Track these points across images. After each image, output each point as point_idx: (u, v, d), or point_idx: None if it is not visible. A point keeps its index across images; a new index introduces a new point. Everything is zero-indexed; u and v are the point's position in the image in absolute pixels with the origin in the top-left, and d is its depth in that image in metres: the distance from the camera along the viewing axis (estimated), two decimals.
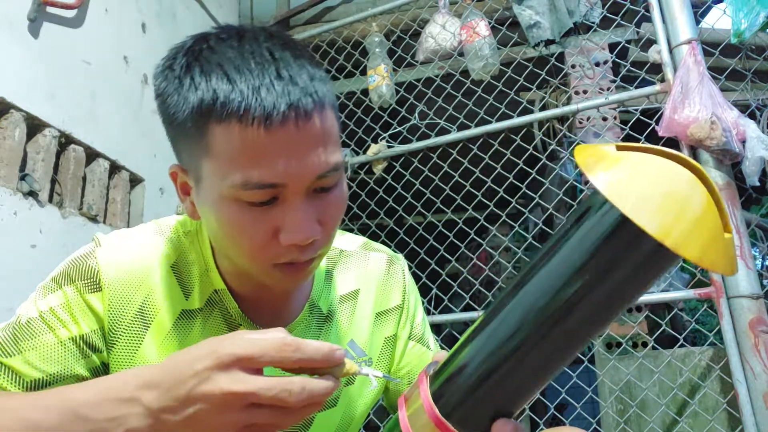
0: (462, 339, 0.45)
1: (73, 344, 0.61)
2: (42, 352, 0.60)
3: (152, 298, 0.64)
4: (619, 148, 0.36)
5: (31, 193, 1.35)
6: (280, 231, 0.55)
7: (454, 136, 1.95)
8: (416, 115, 2.13)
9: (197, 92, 0.52)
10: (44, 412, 0.48)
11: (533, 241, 2.24)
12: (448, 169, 1.99)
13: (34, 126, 1.41)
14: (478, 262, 2.52)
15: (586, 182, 1.97)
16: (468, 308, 1.91)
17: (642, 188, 0.33)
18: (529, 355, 0.40)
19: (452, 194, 2.01)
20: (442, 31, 2.11)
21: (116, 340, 0.63)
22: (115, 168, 1.68)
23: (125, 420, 0.46)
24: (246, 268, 0.60)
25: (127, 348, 0.63)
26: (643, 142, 1.68)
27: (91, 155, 1.59)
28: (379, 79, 2.14)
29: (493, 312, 0.43)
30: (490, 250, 2.73)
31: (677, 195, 0.33)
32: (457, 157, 1.96)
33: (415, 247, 2.02)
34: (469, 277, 2.44)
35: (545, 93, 2.20)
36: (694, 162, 0.35)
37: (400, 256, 0.85)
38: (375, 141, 2.15)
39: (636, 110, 1.79)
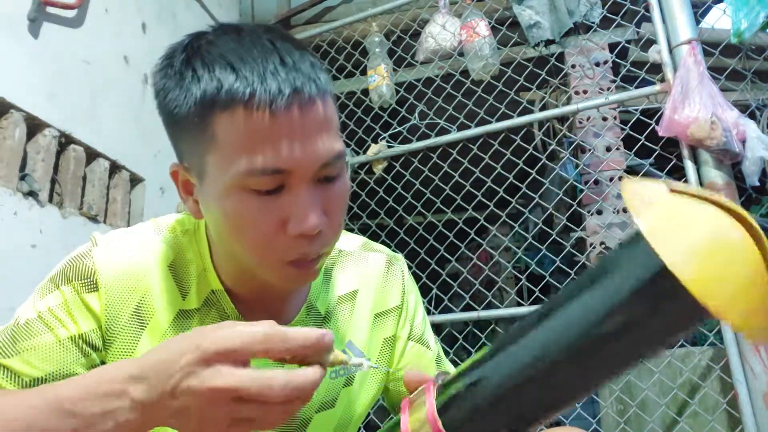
0: (477, 356, 0.44)
1: (72, 344, 0.61)
2: (41, 352, 0.60)
3: (149, 297, 0.64)
4: (673, 191, 0.35)
5: (31, 193, 1.35)
6: (288, 222, 0.54)
7: (454, 136, 1.95)
8: (416, 115, 2.13)
9: (200, 83, 0.53)
10: (31, 411, 0.48)
11: (533, 241, 2.24)
12: (448, 169, 1.99)
13: (34, 126, 1.41)
14: (478, 262, 2.52)
15: (587, 182, 1.97)
16: (468, 308, 1.90)
17: (690, 241, 0.31)
18: (546, 387, 0.39)
19: (452, 194, 2.00)
20: (442, 31, 2.11)
21: (113, 340, 0.63)
22: (115, 168, 1.68)
23: (114, 414, 0.45)
24: (253, 266, 0.59)
25: (124, 347, 0.63)
26: (641, 142, 1.67)
27: (91, 155, 1.59)
28: (379, 79, 2.14)
29: (516, 334, 0.41)
30: (490, 250, 2.73)
31: (726, 253, 0.30)
32: (457, 157, 1.96)
33: (415, 247, 2.02)
34: (469, 277, 2.44)
35: (545, 93, 2.20)
36: (748, 217, 0.32)
37: (400, 256, 0.84)
38: (375, 141, 2.15)
39: (636, 110, 1.79)
